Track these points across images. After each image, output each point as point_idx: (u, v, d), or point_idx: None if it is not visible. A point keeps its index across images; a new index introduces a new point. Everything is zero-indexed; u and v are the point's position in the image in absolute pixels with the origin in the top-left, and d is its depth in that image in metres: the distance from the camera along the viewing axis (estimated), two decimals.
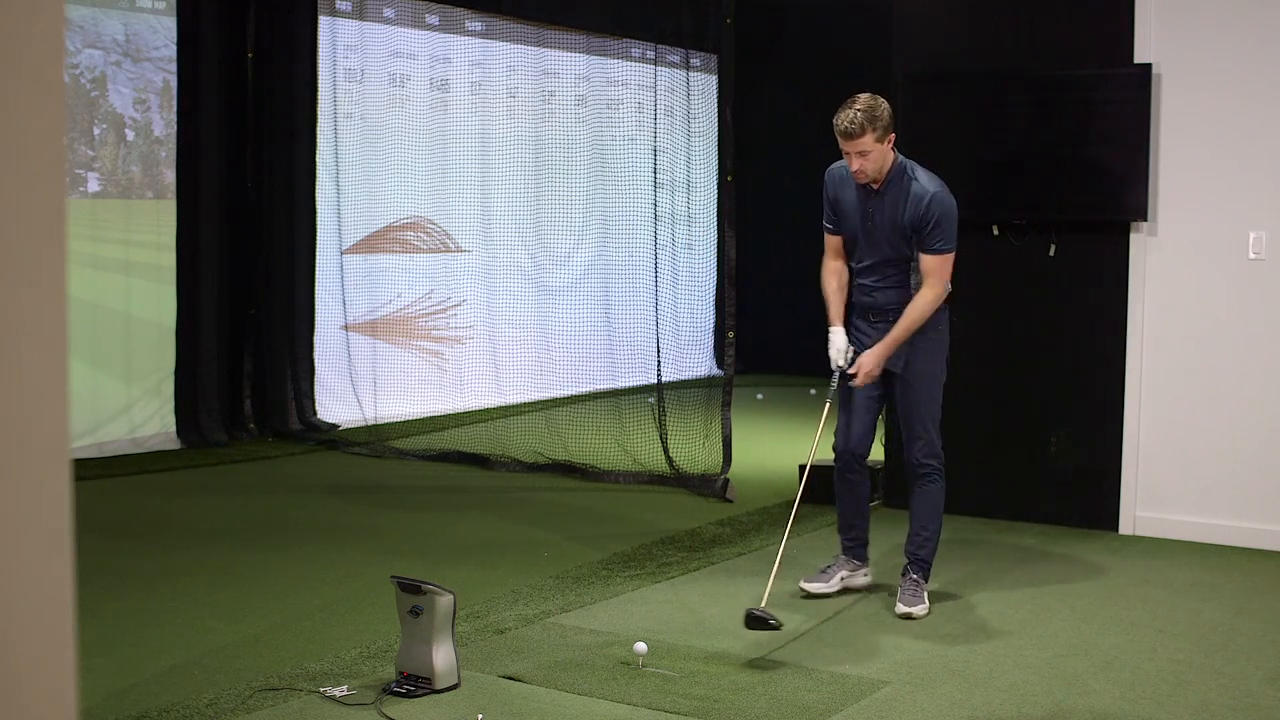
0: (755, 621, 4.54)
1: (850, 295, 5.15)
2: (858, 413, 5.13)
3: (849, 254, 5.13)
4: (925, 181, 4.89)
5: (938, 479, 5.07)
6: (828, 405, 5.08)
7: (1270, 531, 5.98)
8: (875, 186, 4.94)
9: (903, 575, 5.08)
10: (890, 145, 4.87)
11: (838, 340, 5.04)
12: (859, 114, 4.78)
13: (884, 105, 4.86)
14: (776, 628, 4.54)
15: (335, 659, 4.35)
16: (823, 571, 5.26)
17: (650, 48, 9.86)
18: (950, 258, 4.91)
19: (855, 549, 5.28)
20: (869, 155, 4.81)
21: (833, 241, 5.14)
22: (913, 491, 5.13)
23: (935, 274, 4.90)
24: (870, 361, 4.95)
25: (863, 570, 5.29)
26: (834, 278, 5.13)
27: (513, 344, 10.27)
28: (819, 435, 5.09)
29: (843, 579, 5.24)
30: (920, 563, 5.08)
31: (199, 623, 4.77)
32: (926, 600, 5.01)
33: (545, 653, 4.45)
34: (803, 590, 5.17)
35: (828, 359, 5.08)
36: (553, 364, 10.16)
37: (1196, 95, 6.02)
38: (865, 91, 4.96)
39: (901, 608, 4.95)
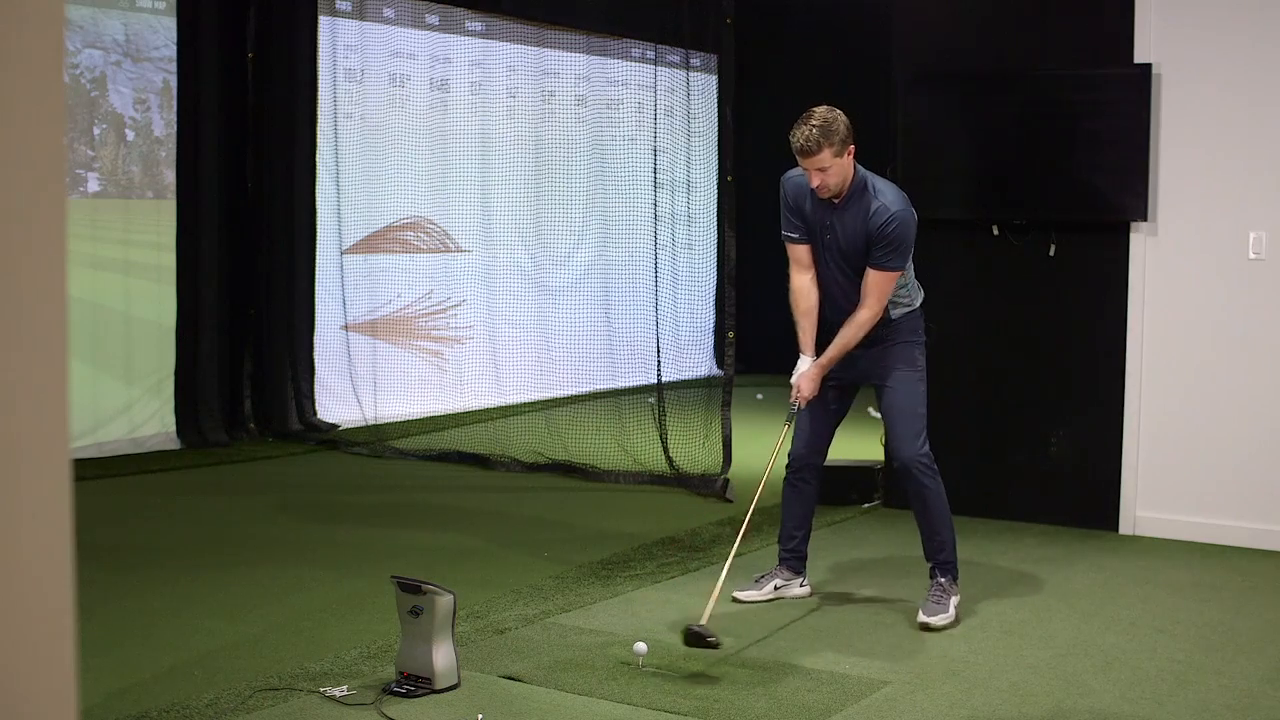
0: (694, 639, 4.39)
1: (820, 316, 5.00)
2: (815, 422, 5.04)
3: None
4: (888, 198, 4.76)
5: (931, 480, 4.93)
6: (784, 429, 5.01)
7: (1270, 531, 5.98)
8: (836, 202, 4.81)
9: (930, 578, 4.96)
10: (850, 158, 4.74)
11: (801, 370, 4.93)
12: (814, 129, 4.65)
13: (840, 118, 4.71)
14: (715, 646, 4.39)
15: (335, 659, 4.35)
16: (756, 580, 5.18)
17: (650, 48, 9.87)
18: (895, 276, 4.80)
19: (792, 561, 5.17)
20: (829, 171, 4.68)
21: (799, 252, 4.94)
22: (911, 499, 5.01)
23: (876, 292, 4.78)
24: (806, 386, 4.90)
25: (798, 581, 5.18)
26: (805, 297, 4.95)
27: (513, 344, 10.26)
28: (772, 459, 5.00)
29: (776, 587, 5.13)
30: (943, 564, 4.95)
31: (199, 623, 4.77)
32: (952, 609, 4.87)
33: (545, 653, 4.45)
34: (735, 599, 5.07)
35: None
36: (553, 364, 10.16)
37: (1196, 95, 6.02)
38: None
39: (922, 617, 4.82)
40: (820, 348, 4.93)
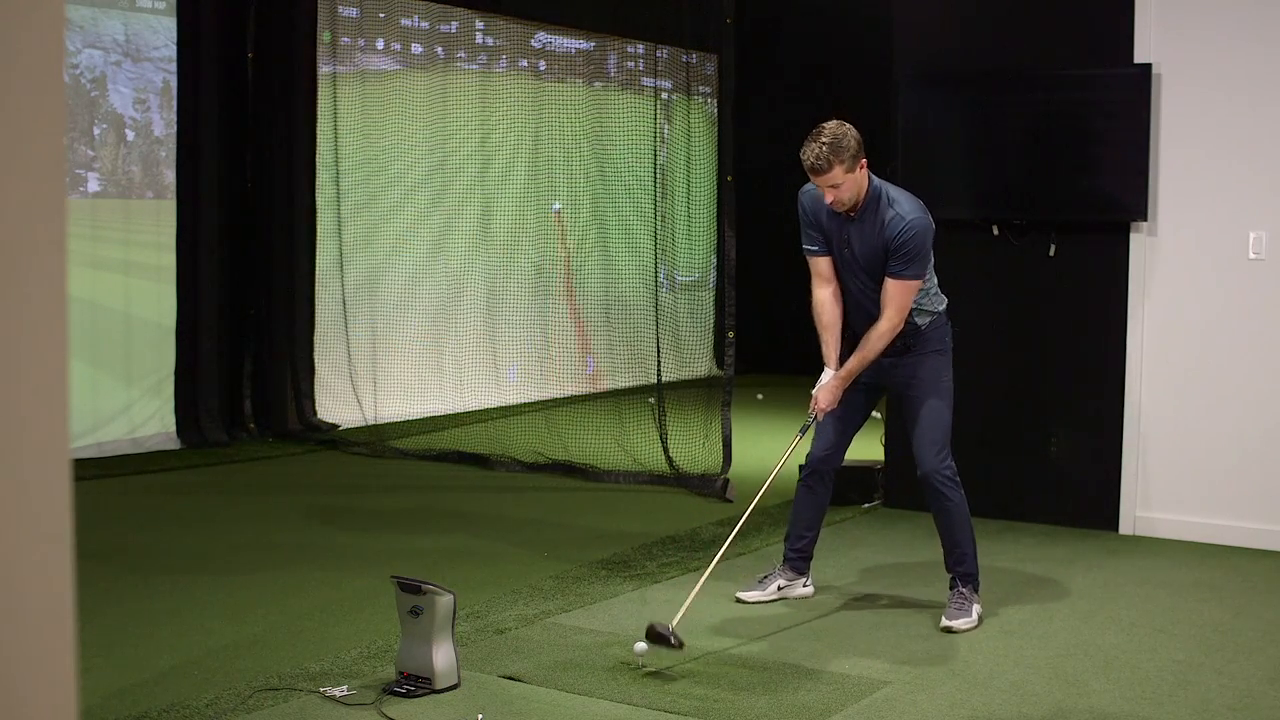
0: (655, 636, 4.31)
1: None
2: (837, 424, 5.02)
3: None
4: (903, 207, 4.73)
5: (953, 493, 4.89)
6: (795, 439, 4.94)
7: (1270, 531, 5.98)
8: (851, 215, 4.78)
9: (950, 589, 4.94)
10: (862, 171, 4.69)
11: (823, 382, 4.90)
12: (824, 148, 4.59)
13: (850, 133, 4.66)
14: (677, 647, 4.30)
15: (335, 659, 4.35)
16: (760, 580, 5.17)
17: (650, 48, 9.87)
18: (914, 285, 4.75)
19: (797, 561, 5.16)
20: (842, 186, 4.65)
21: (821, 265, 4.92)
22: (933, 509, 4.96)
23: (895, 301, 4.74)
24: (825, 398, 4.87)
25: (802, 581, 5.18)
26: (827, 310, 4.93)
27: (513, 344, 10.27)
28: (779, 466, 4.89)
29: (780, 588, 5.13)
30: (964, 576, 4.93)
31: (199, 623, 4.77)
32: (975, 614, 4.85)
33: (545, 653, 4.45)
34: (738, 599, 5.07)
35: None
36: (553, 364, 10.16)
37: (1196, 95, 6.02)
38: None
39: (945, 621, 4.81)
40: (846, 360, 4.90)
